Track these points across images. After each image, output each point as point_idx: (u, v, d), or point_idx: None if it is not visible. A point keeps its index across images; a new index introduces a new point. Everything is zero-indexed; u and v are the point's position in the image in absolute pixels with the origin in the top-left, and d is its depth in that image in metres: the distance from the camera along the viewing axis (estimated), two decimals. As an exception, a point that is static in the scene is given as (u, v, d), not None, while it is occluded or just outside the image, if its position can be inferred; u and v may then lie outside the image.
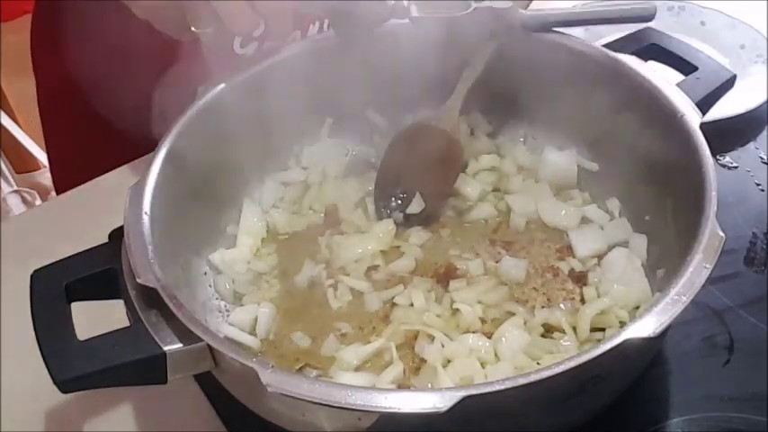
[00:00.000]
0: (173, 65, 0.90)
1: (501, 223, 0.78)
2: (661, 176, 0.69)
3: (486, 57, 0.77)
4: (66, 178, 1.03)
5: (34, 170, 2.26)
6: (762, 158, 0.87)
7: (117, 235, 0.61)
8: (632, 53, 0.73)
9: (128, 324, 0.56)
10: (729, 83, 0.71)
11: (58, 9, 0.96)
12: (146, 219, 0.62)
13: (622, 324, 0.66)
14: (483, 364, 0.63)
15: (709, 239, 0.55)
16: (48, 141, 1.12)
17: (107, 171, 0.92)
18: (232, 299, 0.73)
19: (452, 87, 0.79)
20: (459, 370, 0.62)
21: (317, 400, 0.48)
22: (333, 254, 0.76)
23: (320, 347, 0.68)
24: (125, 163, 0.91)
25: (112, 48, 0.93)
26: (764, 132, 0.90)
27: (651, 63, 0.73)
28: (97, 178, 0.92)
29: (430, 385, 0.62)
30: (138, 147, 0.87)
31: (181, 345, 0.54)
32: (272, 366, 0.50)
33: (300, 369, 0.67)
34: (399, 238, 0.77)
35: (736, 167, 0.87)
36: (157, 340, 0.54)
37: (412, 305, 0.70)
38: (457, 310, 0.69)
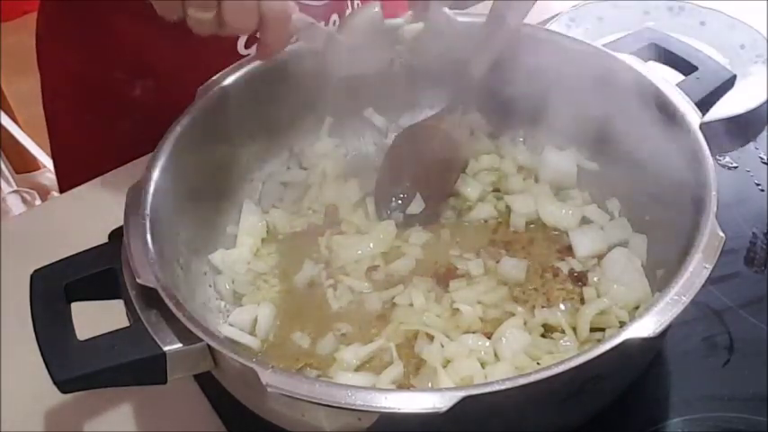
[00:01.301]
0: (175, 64, 0.90)
1: (501, 223, 0.78)
2: (661, 176, 0.68)
3: (488, 59, 0.77)
4: (70, 175, 1.03)
5: (34, 170, 2.26)
6: (762, 158, 0.87)
7: (117, 235, 0.61)
8: (632, 53, 0.73)
9: (128, 324, 0.56)
10: (729, 83, 0.71)
11: (64, 7, 0.96)
12: (146, 219, 0.62)
13: (622, 324, 0.66)
14: (483, 365, 0.63)
15: (709, 239, 0.55)
16: (52, 139, 1.12)
17: (111, 168, 0.92)
18: (232, 299, 0.73)
19: (453, 88, 0.79)
20: (458, 370, 0.62)
21: (316, 401, 0.48)
22: (333, 254, 0.76)
23: (320, 347, 0.68)
24: (129, 160, 0.91)
25: (117, 46, 0.93)
26: (764, 132, 0.90)
27: (651, 63, 0.73)
28: (97, 178, 0.92)
29: (430, 385, 0.62)
30: (140, 144, 0.87)
31: (180, 345, 0.54)
32: (272, 366, 0.50)
33: (300, 369, 0.67)
34: (399, 238, 0.77)
35: (736, 167, 0.87)
36: (157, 340, 0.54)
37: (412, 305, 0.70)
38: (457, 310, 0.68)
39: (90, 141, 1.04)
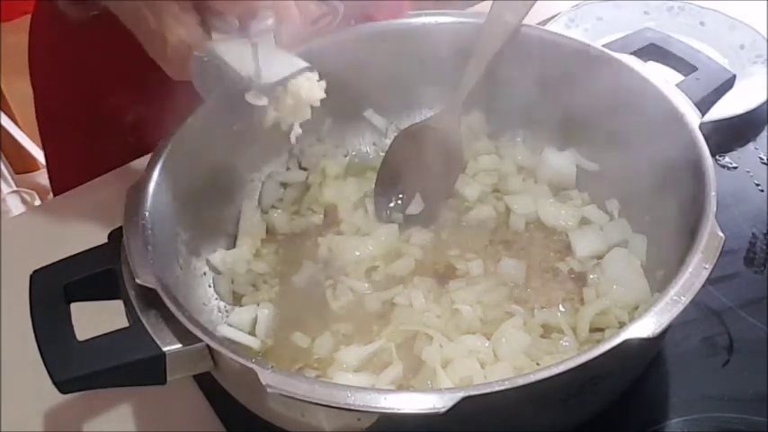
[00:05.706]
0: (166, 88, 0.89)
1: (501, 224, 0.78)
2: (661, 176, 0.68)
3: (488, 59, 0.77)
4: (63, 181, 1.03)
5: (34, 170, 2.26)
6: (761, 159, 0.87)
7: (117, 235, 0.61)
8: (632, 53, 0.73)
9: (127, 324, 0.56)
10: (729, 83, 0.71)
11: (56, 18, 0.96)
12: (146, 219, 0.62)
13: (622, 324, 0.66)
14: (482, 365, 0.63)
15: (708, 240, 0.55)
16: (45, 146, 1.12)
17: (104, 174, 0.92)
18: (231, 299, 0.73)
19: (453, 88, 0.79)
20: (458, 370, 0.62)
21: (316, 401, 0.48)
22: (332, 254, 0.76)
23: (320, 348, 0.68)
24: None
25: (110, 54, 0.93)
26: (764, 132, 0.90)
27: (651, 63, 0.73)
28: (96, 179, 0.92)
29: (430, 385, 0.62)
30: (133, 153, 0.87)
31: (180, 345, 0.54)
32: (272, 367, 0.50)
33: (300, 369, 0.67)
34: (399, 238, 0.77)
35: (735, 168, 0.87)
36: (157, 341, 0.54)
37: (411, 305, 0.70)
38: (456, 310, 0.68)
39: (83, 148, 1.04)
